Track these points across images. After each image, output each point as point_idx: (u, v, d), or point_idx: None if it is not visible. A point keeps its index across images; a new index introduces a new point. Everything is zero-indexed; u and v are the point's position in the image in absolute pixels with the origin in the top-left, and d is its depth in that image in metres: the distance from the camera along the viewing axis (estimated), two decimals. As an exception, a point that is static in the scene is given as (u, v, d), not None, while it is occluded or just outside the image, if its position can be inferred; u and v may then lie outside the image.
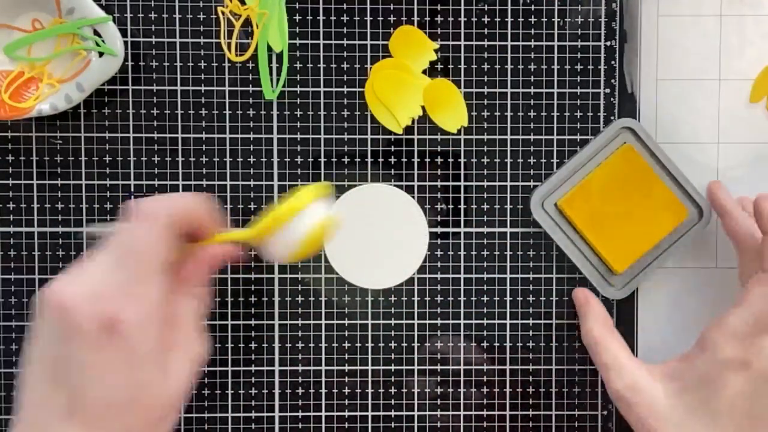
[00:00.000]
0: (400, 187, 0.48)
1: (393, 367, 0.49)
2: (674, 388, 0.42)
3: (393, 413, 0.49)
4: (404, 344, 0.49)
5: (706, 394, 0.41)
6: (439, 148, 0.49)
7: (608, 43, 0.49)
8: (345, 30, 0.48)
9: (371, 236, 0.48)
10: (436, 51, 0.48)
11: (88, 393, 0.33)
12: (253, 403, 0.49)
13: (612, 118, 0.48)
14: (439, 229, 0.49)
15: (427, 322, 0.49)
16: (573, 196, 0.47)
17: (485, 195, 0.49)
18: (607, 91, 0.49)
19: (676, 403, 0.42)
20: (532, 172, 0.49)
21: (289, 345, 0.49)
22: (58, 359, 0.33)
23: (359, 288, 0.48)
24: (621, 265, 0.47)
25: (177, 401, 0.35)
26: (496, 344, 0.49)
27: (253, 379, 0.49)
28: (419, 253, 0.48)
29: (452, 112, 0.48)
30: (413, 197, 0.48)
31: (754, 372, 0.40)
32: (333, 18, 0.48)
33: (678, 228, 0.48)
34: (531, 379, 0.49)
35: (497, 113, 0.49)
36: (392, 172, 0.48)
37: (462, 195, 0.49)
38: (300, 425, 0.49)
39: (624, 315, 0.49)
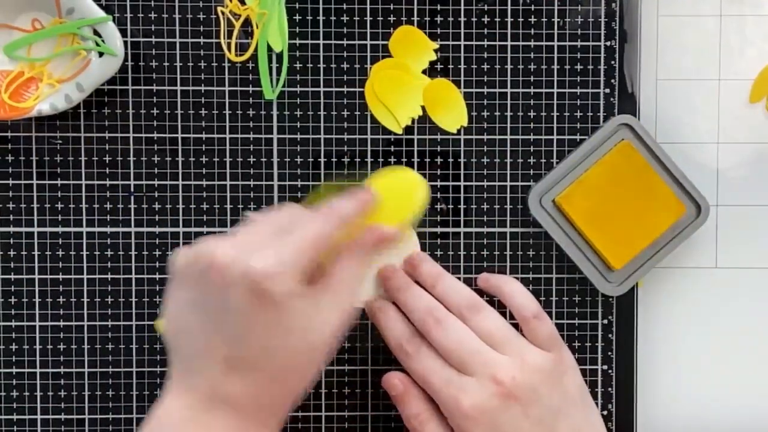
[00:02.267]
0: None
1: (393, 368, 0.49)
2: None
3: (393, 413, 0.49)
4: (404, 344, 0.49)
5: None
6: (439, 148, 0.49)
7: (608, 43, 0.49)
8: (345, 30, 0.48)
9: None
10: (436, 51, 0.48)
11: (244, 344, 0.37)
12: (253, 403, 0.49)
13: (612, 117, 0.48)
14: (439, 229, 0.49)
15: (427, 322, 0.49)
16: (571, 193, 0.47)
17: (485, 195, 0.49)
18: (607, 91, 0.49)
19: None
20: (531, 172, 0.49)
21: (289, 345, 0.49)
22: (218, 311, 0.37)
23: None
24: (619, 262, 0.47)
25: (324, 346, 0.39)
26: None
27: (253, 379, 0.49)
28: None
29: (452, 112, 0.48)
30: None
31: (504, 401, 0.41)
32: (333, 18, 0.48)
33: (676, 224, 0.48)
34: (531, 379, 0.49)
35: (497, 113, 0.48)
36: (392, 172, 0.49)
37: (462, 195, 0.49)
38: (300, 425, 0.49)
39: (623, 315, 0.49)
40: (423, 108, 0.48)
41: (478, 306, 0.44)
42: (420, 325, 0.43)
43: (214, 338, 0.37)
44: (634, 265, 0.48)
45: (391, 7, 0.48)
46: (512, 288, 0.45)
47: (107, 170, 0.48)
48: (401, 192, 0.44)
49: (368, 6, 0.48)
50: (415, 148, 0.49)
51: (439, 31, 0.48)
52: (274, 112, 0.48)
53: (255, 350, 0.37)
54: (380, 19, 0.48)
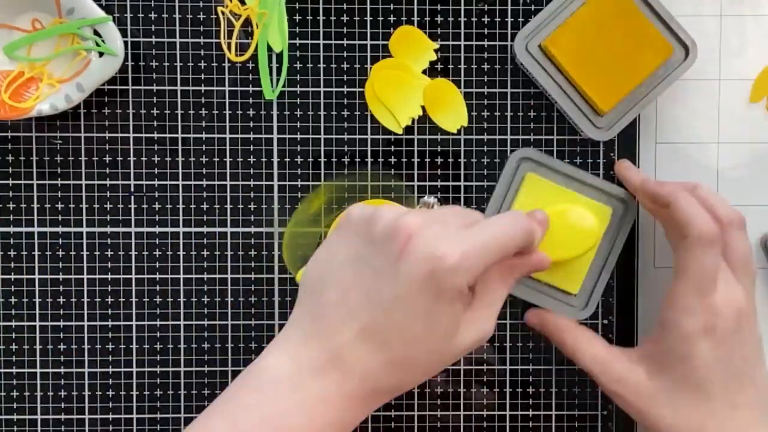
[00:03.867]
0: (400, 187, 0.48)
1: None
2: (654, 368, 0.42)
3: (393, 413, 0.49)
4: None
5: (683, 370, 0.41)
6: (439, 148, 0.49)
7: (608, 43, 0.49)
8: (345, 30, 0.48)
9: None
10: (436, 51, 0.48)
11: (391, 320, 0.36)
12: (253, 403, 0.49)
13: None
14: (439, 229, 0.49)
15: (427, 322, 0.49)
16: (558, 36, 0.46)
17: (485, 195, 0.49)
18: (607, 91, 0.49)
19: (659, 384, 0.42)
20: (532, 172, 0.49)
21: (289, 345, 0.49)
22: (382, 276, 0.36)
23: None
24: (607, 104, 0.46)
25: (454, 357, 0.38)
26: (496, 344, 0.49)
27: (253, 379, 0.49)
28: None
29: (452, 112, 0.48)
30: (413, 197, 0.48)
31: (720, 331, 0.40)
32: (333, 18, 0.48)
33: (664, 66, 0.47)
34: (531, 379, 0.49)
35: (497, 113, 0.48)
36: (392, 172, 0.48)
37: (462, 195, 0.49)
38: (300, 425, 0.49)
39: (624, 315, 0.49)
40: (423, 108, 0.48)
41: (739, 222, 0.42)
42: (725, 218, 0.42)
43: (365, 302, 0.36)
44: (622, 108, 0.47)
45: (391, 7, 0.48)
46: (690, 205, 0.42)
47: (107, 170, 0.48)
48: (575, 230, 0.45)
49: (368, 6, 0.48)
50: (415, 148, 0.49)
51: (439, 31, 0.48)
52: (274, 112, 0.48)
53: (397, 330, 0.36)
54: (380, 19, 0.48)
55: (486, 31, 0.48)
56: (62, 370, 0.48)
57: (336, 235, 0.39)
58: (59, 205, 0.48)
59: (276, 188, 0.48)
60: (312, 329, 0.37)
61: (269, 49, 0.48)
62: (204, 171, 0.48)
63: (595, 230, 0.45)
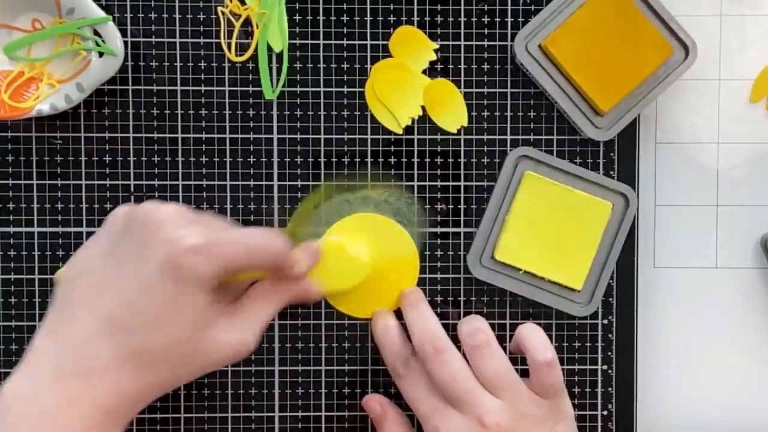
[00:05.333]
0: (400, 187, 0.48)
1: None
2: None
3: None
4: (404, 344, 0.49)
5: None
6: (439, 148, 0.49)
7: (608, 43, 0.49)
8: (345, 30, 0.48)
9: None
10: (436, 51, 0.48)
11: (132, 309, 0.35)
12: (253, 403, 0.49)
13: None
14: (439, 229, 0.49)
15: (427, 322, 0.49)
16: (558, 36, 0.46)
17: (485, 195, 0.49)
18: (607, 91, 0.49)
19: None
20: (532, 172, 0.49)
21: (289, 345, 0.49)
22: (127, 263, 0.36)
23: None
24: (607, 104, 0.46)
25: (202, 361, 0.38)
26: (496, 344, 0.49)
27: (253, 379, 0.49)
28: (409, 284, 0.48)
29: (452, 112, 0.48)
30: (413, 197, 0.48)
31: None
32: (333, 18, 0.48)
33: (664, 66, 0.47)
34: (531, 379, 0.49)
35: (497, 113, 0.48)
36: (392, 172, 0.48)
37: (462, 195, 0.49)
38: (300, 425, 0.49)
39: (623, 315, 0.49)
40: (423, 108, 0.48)
41: (485, 343, 0.43)
42: (419, 349, 0.43)
43: (108, 291, 0.36)
44: (622, 108, 0.47)
45: (391, 7, 0.48)
46: (530, 329, 0.44)
47: (107, 170, 0.48)
48: (344, 265, 0.45)
49: (368, 6, 0.48)
50: (415, 148, 0.49)
51: (439, 31, 0.48)
52: (274, 112, 0.48)
53: (138, 317, 0.36)
54: (380, 19, 0.48)
55: (486, 31, 0.48)
56: (62, 370, 0.48)
57: (96, 234, 0.39)
58: (59, 205, 0.48)
59: (276, 188, 0.48)
60: (58, 329, 0.36)
61: (269, 49, 0.48)
62: (204, 171, 0.48)
63: (365, 266, 0.45)
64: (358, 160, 0.48)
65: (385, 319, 0.46)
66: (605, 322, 0.49)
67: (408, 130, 0.48)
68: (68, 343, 0.36)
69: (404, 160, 0.48)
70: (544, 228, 0.47)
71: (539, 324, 0.49)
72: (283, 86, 0.48)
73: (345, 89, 0.48)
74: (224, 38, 0.48)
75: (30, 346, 0.37)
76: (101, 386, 0.35)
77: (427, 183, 0.48)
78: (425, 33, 0.48)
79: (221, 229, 0.38)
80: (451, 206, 0.49)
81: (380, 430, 0.46)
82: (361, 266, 0.45)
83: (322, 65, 0.48)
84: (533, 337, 0.43)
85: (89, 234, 0.48)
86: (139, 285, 0.36)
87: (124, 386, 0.36)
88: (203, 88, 0.48)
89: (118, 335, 0.36)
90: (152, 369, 0.36)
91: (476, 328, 0.43)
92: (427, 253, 0.49)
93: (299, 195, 0.48)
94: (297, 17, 0.48)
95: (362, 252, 0.46)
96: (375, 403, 0.47)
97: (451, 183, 0.49)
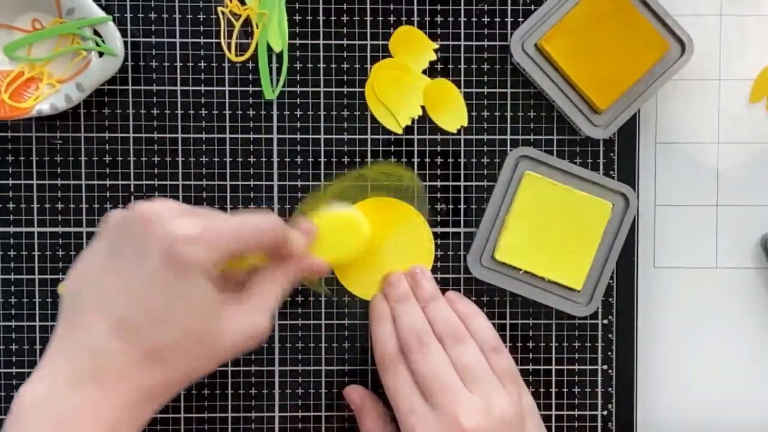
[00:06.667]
0: (400, 187, 0.48)
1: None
2: None
3: (393, 413, 0.49)
4: (404, 344, 0.49)
5: None
6: (439, 148, 0.49)
7: (608, 43, 0.49)
8: (345, 30, 0.48)
9: (377, 249, 0.48)
10: (436, 51, 0.48)
11: (141, 306, 0.36)
12: (253, 403, 0.49)
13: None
14: (439, 229, 0.49)
15: (427, 322, 0.49)
16: (553, 34, 0.46)
17: (485, 195, 0.49)
18: (607, 91, 0.49)
19: None
20: (532, 172, 0.49)
21: (289, 345, 0.49)
22: (129, 263, 0.36)
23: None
24: (604, 102, 0.46)
25: (218, 350, 0.37)
26: (496, 344, 0.49)
27: (253, 379, 0.49)
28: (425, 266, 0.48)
29: (452, 112, 0.48)
30: (414, 199, 0.48)
31: None
32: (333, 18, 0.48)
33: (661, 63, 0.47)
34: (531, 379, 0.49)
35: (497, 113, 0.48)
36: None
37: (462, 195, 0.49)
38: (300, 425, 0.49)
39: (623, 315, 0.49)
40: (423, 108, 0.48)
41: (461, 337, 0.43)
42: (404, 342, 0.43)
43: (115, 292, 0.36)
44: (619, 106, 0.47)
45: (391, 7, 0.48)
46: (476, 319, 0.45)
47: (107, 170, 0.48)
48: (345, 233, 0.45)
49: (368, 6, 0.48)
50: (415, 148, 0.49)
51: (439, 31, 0.48)
52: (274, 112, 0.48)
53: (148, 315, 0.36)
54: (380, 19, 0.48)
55: (486, 31, 0.48)
56: (62, 370, 0.48)
57: (93, 242, 0.38)
58: (59, 205, 0.48)
59: (276, 188, 0.48)
60: (69, 338, 0.36)
61: (269, 49, 0.48)
62: (204, 171, 0.48)
63: (362, 231, 0.45)
64: (358, 160, 0.48)
65: (384, 309, 0.45)
66: (605, 322, 0.49)
67: (408, 130, 0.48)
68: (81, 349, 0.36)
69: (404, 160, 0.48)
70: (544, 228, 0.47)
71: (539, 324, 0.49)
72: (283, 86, 0.48)
73: (345, 89, 0.48)
74: (224, 38, 0.48)
75: (43, 355, 0.37)
76: (117, 390, 0.35)
77: (427, 183, 0.48)
78: (425, 33, 0.48)
79: (215, 217, 0.38)
80: (451, 206, 0.49)
81: (360, 421, 0.46)
82: (359, 231, 0.45)
83: (322, 65, 0.48)
84: (479, 326, 0.45)
85: (89, 234, 0.48)
86: (142, 282, 0.36)
87: (142, 386, 0.36)
88: (203, 88, 0.48)
89: (130, 336, 0.36)
90: (168, 365, 0.36)
91: (453, 321, 0.44)
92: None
93: (299, 195, 0.48)
94: (297, 17, 0.48)
95: (359, 218, 0.46)
96: (355, 395, 0.47)
97: (451, 183, 0.49)
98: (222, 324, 0.37)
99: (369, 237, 0.46)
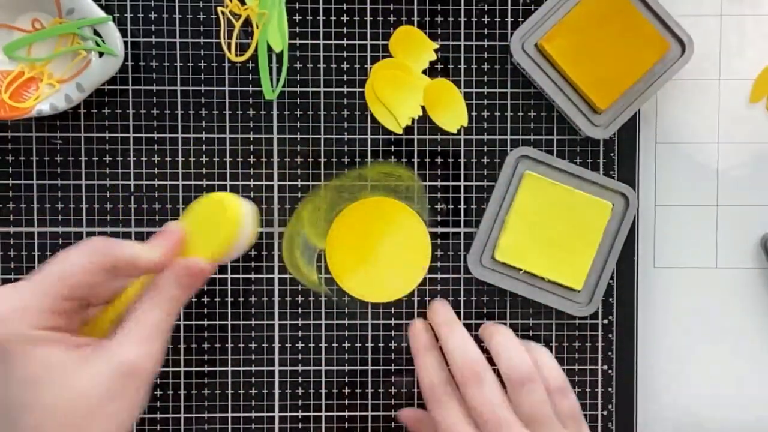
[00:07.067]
0: (400, 186, 0.48)
1: (393, 367, 0.49)
2: None
3: (393, 413, 0.49)
4: (404, 344, 0.49)
5: None
6: (439, 148, 0.49)
7: (608, 43, 0.49)
8: (345, 30, 0.48)
9: (373, 250, 0.48)
10: (436, 51, 0.48)
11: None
12: (253, 403, 0.49)
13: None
14: (439, 229, 0.49)
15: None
16: (553, 34, 0.46)
17: (485, 195, 0.49)
18: (607, 91, 0.49)
19: None
20: (532, 172, 0.49)
21: (289, 345, 0.49)
22: None
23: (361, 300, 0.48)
24: (604, 102, 0.46)
25: (98, 408, 0.33)
26: (496, 344, 0.49)
27: (253, 379, 0.49)
28: (422, 266, 0.48)
29: (452, 112, 0.48)
30: (414, 199, 0.48)
31: None
32: (333, 18, 0.48)
33: (661, 62, 0.47)
34: (531, 379, 0.49)
35: (497, 113, 0.49)
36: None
37: (462, 195, 0.49)
38: (300, 425, 0.49)
39: (623, 315, 0.49)
40: (423, 108, 0.48)
41: (528, 378, 0.41)
42: (458, 374, 0.42)
43: None
44: (619, 106, 0.47)
45: (391, 7, 0.48)
46: (540, 355, 0.43)
47: (107, 170, 0.48)
48: (212, 218, 0.38)
49: (368, 6, 0.48)
50: (415, 148, 0.49)
51: (439, 31, 0.48)
52: (274, 112, 0.48)
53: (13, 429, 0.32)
54: (380, 19, 0.48)
55: (486, 31, 0.48)
56: (62, 370, 0.48)
57: None
58: (59, 205, 0.48)
59: (276, 188, 0.48)
60: None
61: (269, 49, 0.48)
62: (204, 171, 0.48)
63: (232, 210, 0.38)
64: (358, 160, 0.48)
65: (426, 337, 0.45)
66: (605, 322, 0.49)
67: (408, 130, 0.48)
68: None
69: (404, 160, 0.48)
70: (544, 228, 0.47)
71: (539, 324, 0.49)
72: (283, 86, 0.48)
73: (345, 89, 0.48)
74: (224, 38, 0.48)
75: None
76: None
77: (427, 183, 0.48)
78: (425, 33, 0.48)
79: (22, 283, 0.34)
80: (451, 206, 0.49)
81: None
82: (225, 211, 0.38)
83: (322, 65, 0.48)
84: (544, 364, 0.43)
85: (89, 234, 0.48)
86: None
87: None
88: (203, 88, 0.48)
89: None
90: None
91: (522, 361, 0.42)
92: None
93: (299, 195, 0.48)
94: (297, 17, 0.48)
95: (224, 197, 0.39)
96: (409, 416, 0.47)
97: (451, 183, 0.49)
98: (84, 383, 0.33)
99: (242, 213, 0.38)
